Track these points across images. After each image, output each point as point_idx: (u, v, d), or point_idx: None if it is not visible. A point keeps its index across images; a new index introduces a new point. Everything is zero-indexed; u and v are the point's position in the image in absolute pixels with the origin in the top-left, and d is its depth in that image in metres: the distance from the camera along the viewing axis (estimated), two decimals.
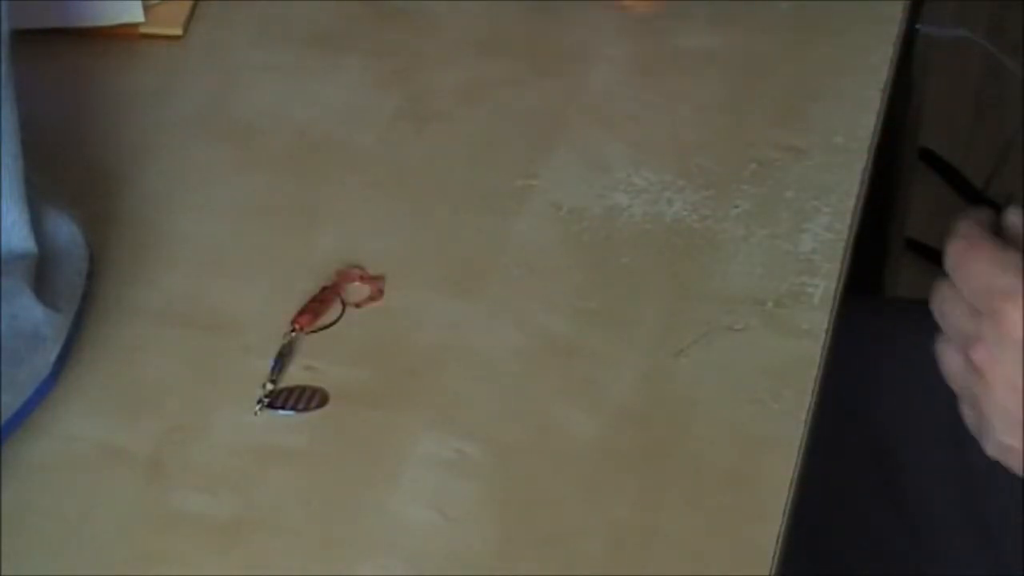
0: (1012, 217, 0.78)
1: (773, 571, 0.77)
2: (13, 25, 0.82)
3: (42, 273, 0.84)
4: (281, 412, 0.83)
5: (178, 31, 1.05)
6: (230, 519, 0.78)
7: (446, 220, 0.93)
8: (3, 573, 0.76)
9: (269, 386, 0.84)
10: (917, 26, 1.63)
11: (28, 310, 0.82)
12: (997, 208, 0.81)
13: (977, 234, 0.78)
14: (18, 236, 0.83)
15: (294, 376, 0.85)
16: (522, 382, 0.85)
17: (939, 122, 1.96)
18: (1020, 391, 0.75)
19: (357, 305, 0.88)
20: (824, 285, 0.90)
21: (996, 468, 1.04)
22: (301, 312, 0.87)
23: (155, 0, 1.06)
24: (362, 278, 0.90)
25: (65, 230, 0.87)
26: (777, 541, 0.78)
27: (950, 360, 0.78)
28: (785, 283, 0.90)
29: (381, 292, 0.89)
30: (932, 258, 1.93)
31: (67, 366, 0.84)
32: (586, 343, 0.87)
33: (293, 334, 0.87)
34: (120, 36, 1.05)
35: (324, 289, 0.89)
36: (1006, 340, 0.74)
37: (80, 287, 0.86)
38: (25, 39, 0.84)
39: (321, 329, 0.87)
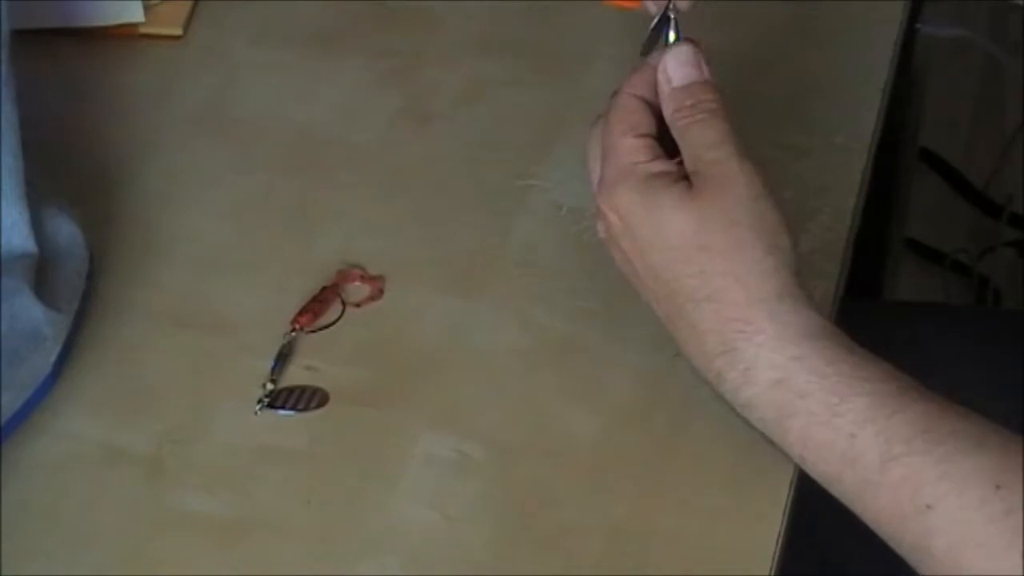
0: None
1: (773, 571, 0.77)
2: (13, 25, 0.82)
3: (42, 273, 0.84)
4: (281, 412, 0.83)
5: (178, 31, 1.05)
6: (230, 519, 0.78)
7: (446, 220, 0.93)
8: (3, 573, 0.76)
9: (269, 386, 0.84)
10: (917, 26, 1.63)
11: (28, 310, 0.82)
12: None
13: (624, 105, 0.81)
14: (18, 236, 0.83)
15: (294, 376, 0.85)
16: (522, 382, 0.85)
17: (939, 122, 1.97)
18: (626, 222, 0.79)
19: (357, 305, 0.88)
20: (824, 285, 0.90)
21: None
22: (301, 312, 0.87)
23: (155, 0, 1.06)
24: (362, 278, 0.90)
25: (65, 230, 0.87)
26: (777, 541, 0.78)
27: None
28: None
29: (381, 292, 0.89)
30: (932, 258, 1.93)
31: (67, 366, 0.84)
32: (586, 343, 0.87)
33: (293, 334, 0.87)
34: (120, 36, 1.05)
35: (324, 289, 0.89)
36: (609, 170, 0.79)
37: (80, 287, 0.86)
38: (25, 39, 0.84)
39: (321, 329, 0.87)
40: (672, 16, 0.77)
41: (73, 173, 0.95)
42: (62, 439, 0.82)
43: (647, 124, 0.80)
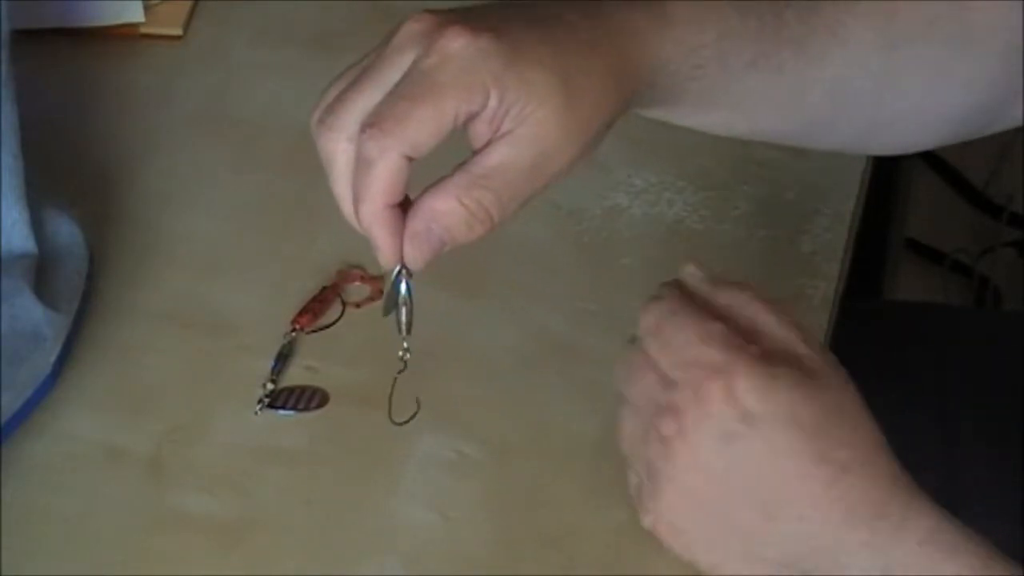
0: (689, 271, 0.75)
1: None
2: (13, 25, 0.82)
3: (42, 273, 0.84)
4: (281, 412, 0.83)
5: (178, 31, 1.05)
6: (230, 519, 0.78)
7: None
8: (3, 573, 0.76)
9: (269, 386, 0.84)
10: None
11: (28, 310, 0.82)
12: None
13: (679, 300, 0.74)
14: (18, 236, 0.83)
15: (294, 376, 0.85)
16: (522, 382, 0.85)
17: None
18: (705, 472, 0.71)
19: (357, 305, 0.88)
20: (824, 286, 0.90)
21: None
22: (301, 312, 0.87)
23: (155, 0, 1.06)
24: (362, 278, 0.90)
25: (65, 230, 0.87)
26: None
27: (628, 424, 0.74)
28: (785, 284, 0.90)
29: (381, 292, 0.89)
30: (932, 258, 1.93)
31: (67, 366, 0.84)
32: (586, 343, 0.87)
33: (293, 334, 0.87)
34: (120, 36, 1.05)
35: (324, 289, 0.89)
36: (705, 419, 0.70)
37: (80, 287, 0.86)
38: (25, 39, 0.84)
39: (321, 329, 0.87)
40: (405, 277, 0.73)
41: (73, 173, 0.95)
42: (62, 439, 0.82)
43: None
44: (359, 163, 0.70)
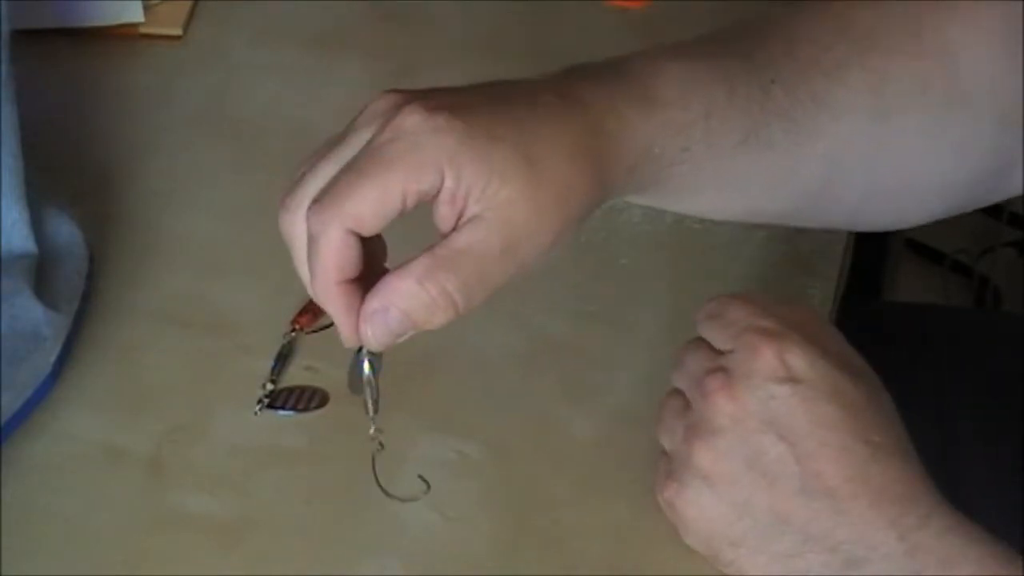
0: None
1: None
2: (13, 25, 0.82)
3: (42, 273, 0.84)
4: (281, 412, 0.83)
5: (178, 31, 1.05)
6: (230, 519, 0.78)
7: None
8: (3, 573, 0.76)
9: (269, 386, 0.84)
10: None
11: (28, 310, 0.82)
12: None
13: (741, 295, 0.75)
14: (18, 236, 0.83)
15: (294, 376, 0.85)
16: (522, 382, 0.85)
17: None
18: (744, 428, 0.71)
19: None
20: (824, 285, 0.90)
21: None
22: (301, 312, 0.87)
23: (155, 0, 1.06)
24: None
25: (65, 230, 0.87)
26: None
27: (669, 402, 0.76)
28: (785, 285, 0.90)
29: None
30: (932, 258, 1.93)
31: (67, 366, 0.84)
32: (585, 344, 0.87)
33: (293, 334, 0.87)
34: (120, 36, 1.05)
35: None
36: (751, 375, 0.71)
37: (80, 287, 0.86)
38: (25, 39, 0.84)
39: (321, 329, 0.87)
40: (367, 357, 0.73)
41: (73, 173, 0.95)
42: (62, 439, 0.82)
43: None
44: (308, 240, 0.69)
